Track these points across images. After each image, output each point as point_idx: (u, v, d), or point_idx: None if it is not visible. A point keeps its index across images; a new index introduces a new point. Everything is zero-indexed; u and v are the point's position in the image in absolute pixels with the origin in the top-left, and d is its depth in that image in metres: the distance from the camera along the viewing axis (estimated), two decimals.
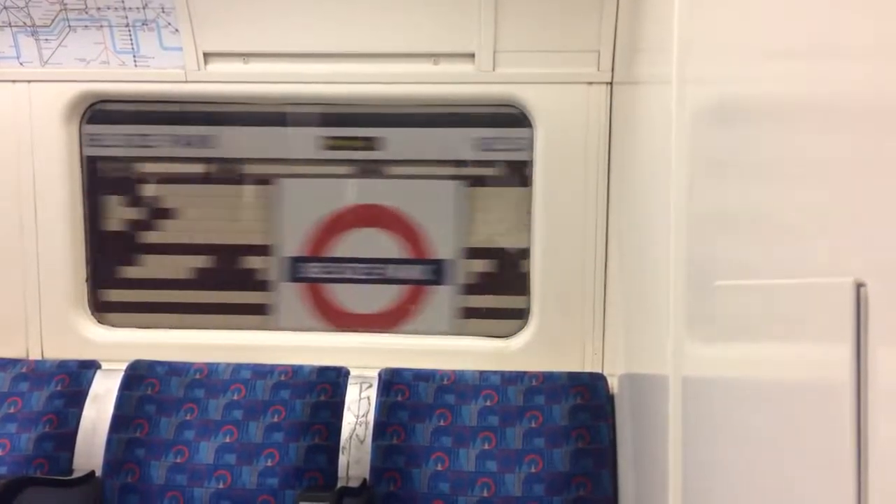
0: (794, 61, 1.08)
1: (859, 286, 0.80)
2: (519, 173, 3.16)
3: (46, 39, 2.95)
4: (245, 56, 2.96)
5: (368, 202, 3.30)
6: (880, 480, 0.77)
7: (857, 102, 0.87)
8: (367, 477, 2.70)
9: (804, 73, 1.05)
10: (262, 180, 3.34)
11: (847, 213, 0.87)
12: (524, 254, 3.11)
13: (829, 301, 0.86)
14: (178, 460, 2.71)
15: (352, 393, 2.86)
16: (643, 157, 2.30)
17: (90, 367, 2.92)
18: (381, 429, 2.74)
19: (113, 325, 3.23)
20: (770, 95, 1.18)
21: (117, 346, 3.12)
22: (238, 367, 2.86)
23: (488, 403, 2.78)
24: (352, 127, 3.26)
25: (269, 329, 3.27)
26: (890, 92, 0.79)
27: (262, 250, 3.32)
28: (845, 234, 0.87)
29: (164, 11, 2.86)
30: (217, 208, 3.37)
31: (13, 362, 2.97)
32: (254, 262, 3.32)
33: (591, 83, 2.89)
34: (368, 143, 3.25)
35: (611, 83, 2.87)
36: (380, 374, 2.83)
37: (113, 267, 3.33)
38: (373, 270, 3.30)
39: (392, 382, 2.81)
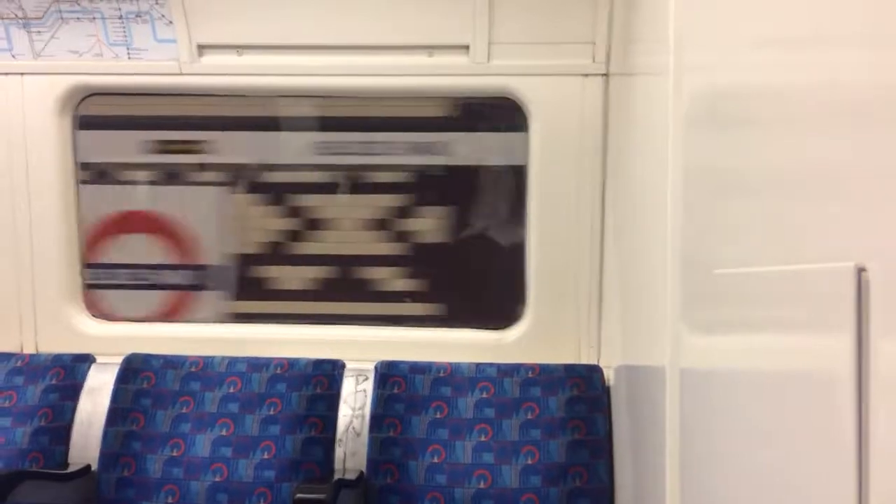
0: (792, 51, 1.08)
1: (860, 271, 0.79)
2: None
3: (39, 31, 2.93)
4: (239, 48, 2.94)
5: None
6: (881, 470, 0.76)
7: (856, 90, 0.87)
8: (364, 469, 2.70)
9: (801, 62, 1.04)
10: None
11: (847, 196, 0.86)
12: None
13: (829, 287, 0.86)
14: (175, 453, 2.70)
15: (348, 386, 2.85)
16: (639, 148, 2.29)
17: (85, 360, 2.92)
18: (377, 421, 2.74)
19: (107, 319, 3.22)
20: (767, 85, 1.17)
21: (112, 339, 3.11)
22: (234, 360, 2.86)
23: (484, 395, 2.77)
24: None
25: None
26: (889, 80, 0.79)
27: None
28: (846, 218, 0.87)
29: (157, 3, 2.84)
30: None
31: (7, 356, 2.96)
32: None
33: (586, 75, 2.88)
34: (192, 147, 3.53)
35: (606, 75, 2.87)
36: (376, 367, 2.83)
37: None
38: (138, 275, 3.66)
39: (388, 375, 2.80)
